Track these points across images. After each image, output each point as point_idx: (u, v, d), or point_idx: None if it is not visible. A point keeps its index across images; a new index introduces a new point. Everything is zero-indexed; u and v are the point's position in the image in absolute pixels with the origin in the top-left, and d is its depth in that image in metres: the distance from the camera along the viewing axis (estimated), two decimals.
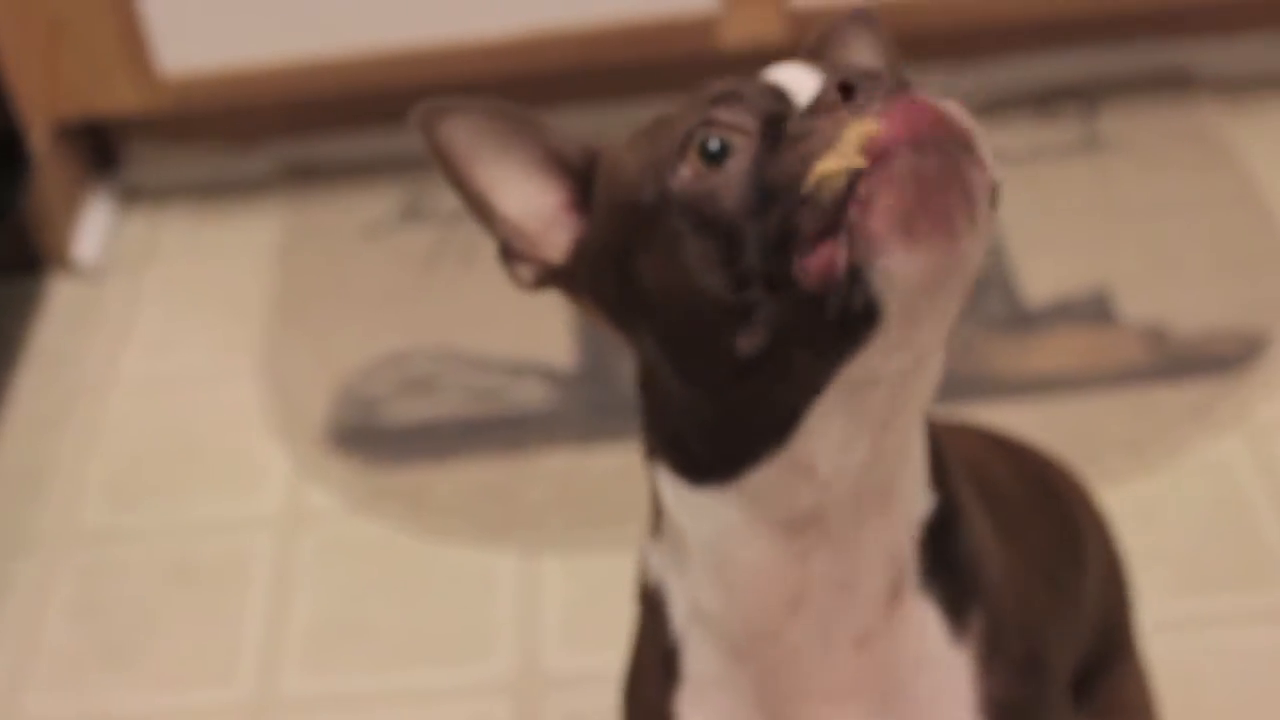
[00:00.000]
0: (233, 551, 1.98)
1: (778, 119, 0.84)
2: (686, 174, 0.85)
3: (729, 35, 2.39)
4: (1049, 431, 1.95)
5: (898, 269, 0.78)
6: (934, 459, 0.97)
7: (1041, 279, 2.22)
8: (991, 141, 0.82)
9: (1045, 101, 2.58)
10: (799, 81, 0.87)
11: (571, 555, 1.91)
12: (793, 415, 0.86)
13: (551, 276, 1.03)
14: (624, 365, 2.13)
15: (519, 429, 2.08)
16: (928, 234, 0.77)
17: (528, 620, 1.84)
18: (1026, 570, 1.09)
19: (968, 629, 0.99)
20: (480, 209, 1.02)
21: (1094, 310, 2.17)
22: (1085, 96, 2.59)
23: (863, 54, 1.02)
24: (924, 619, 0.97)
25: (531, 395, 2.13)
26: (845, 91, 0.80)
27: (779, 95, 0.86)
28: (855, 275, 0.78)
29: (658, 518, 1.00)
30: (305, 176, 2.57)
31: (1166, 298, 2.19)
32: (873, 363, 0.82)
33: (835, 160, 0.78)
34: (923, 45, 2.39)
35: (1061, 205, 2.38)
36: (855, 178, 0.78)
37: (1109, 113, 2.56)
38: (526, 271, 1.05)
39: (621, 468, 2.00)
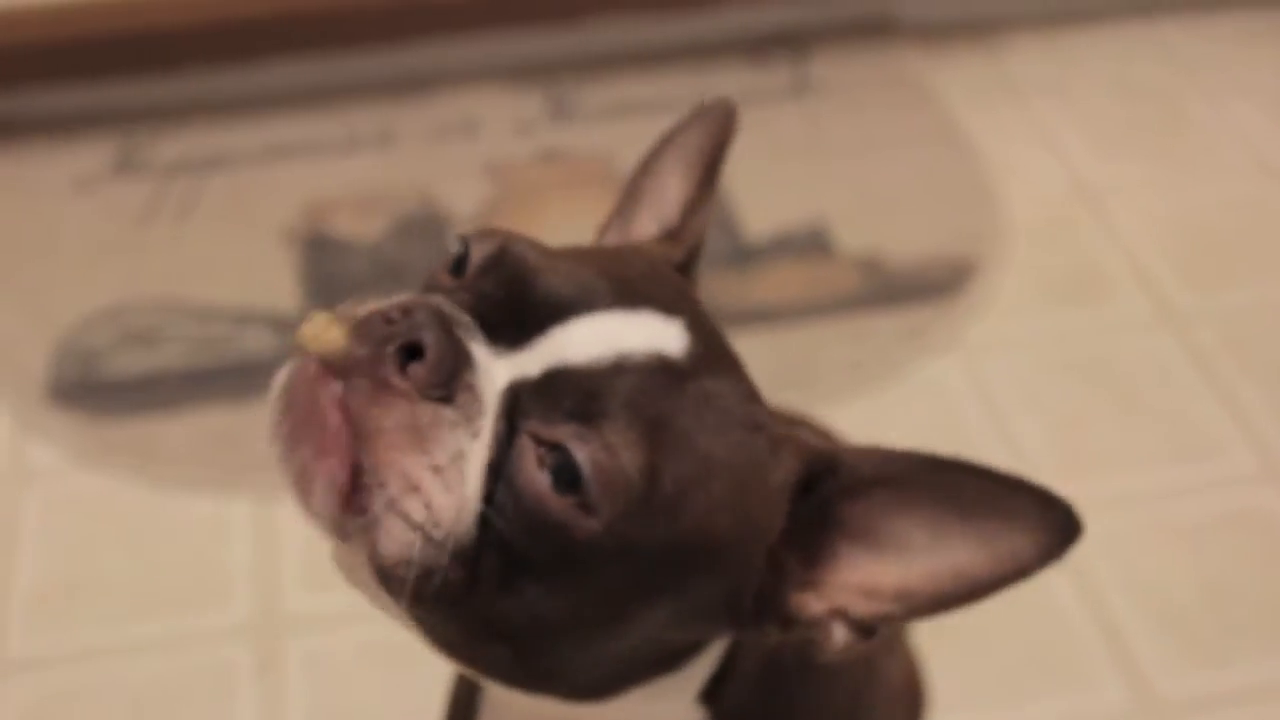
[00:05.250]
0: None
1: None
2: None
3: None
4: (774, 358, 2.03)
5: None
6: (726, 674, 0.93)
7: (761, 216, 2.28)
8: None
9: (757, 49, 2.65)
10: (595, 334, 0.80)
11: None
12: None
13: None
14: None
15: (247, 376, 2.05)
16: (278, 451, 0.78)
17: (265, 564, 1.82)
18: None
19: None
20: (630, 204, 1.00)
21: (812, 243, 2.24)
22: (795, 43, 2.67)
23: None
24: None
25: (258, 343, 2.10)
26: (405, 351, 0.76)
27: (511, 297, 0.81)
28: None
29: None
30: (7, 130, 2.47)
31: (879, 230, 2.27)
32: None
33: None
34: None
35: (776, 146, 2.44)
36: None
37: (818, 58, 2.64)
38: None
39: None
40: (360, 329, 0.77)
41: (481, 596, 0.77)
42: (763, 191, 2.32)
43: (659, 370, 0.79)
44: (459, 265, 0.84)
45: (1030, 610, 1.77)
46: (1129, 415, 2.01)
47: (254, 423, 1.97)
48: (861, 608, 0.84)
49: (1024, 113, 2.55)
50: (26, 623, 1.78)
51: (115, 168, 2.41)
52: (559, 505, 0.76)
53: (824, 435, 1.39)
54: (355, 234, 2.28)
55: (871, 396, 2.00)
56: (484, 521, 0.76)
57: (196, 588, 1.81)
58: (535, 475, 0.76)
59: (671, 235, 0.97)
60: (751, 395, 0.85)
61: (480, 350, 0.78)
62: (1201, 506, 1.91)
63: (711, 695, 0.93)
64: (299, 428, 0.76)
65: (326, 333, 0.77)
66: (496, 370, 0.77)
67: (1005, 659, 1.72)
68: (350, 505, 0.76)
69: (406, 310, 0.77)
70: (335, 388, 0.76)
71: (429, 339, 0.76)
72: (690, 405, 0.79)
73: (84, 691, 1.71)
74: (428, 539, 0.75)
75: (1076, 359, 2.10)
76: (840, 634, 0.84)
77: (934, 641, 1.58)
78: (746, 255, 2.21)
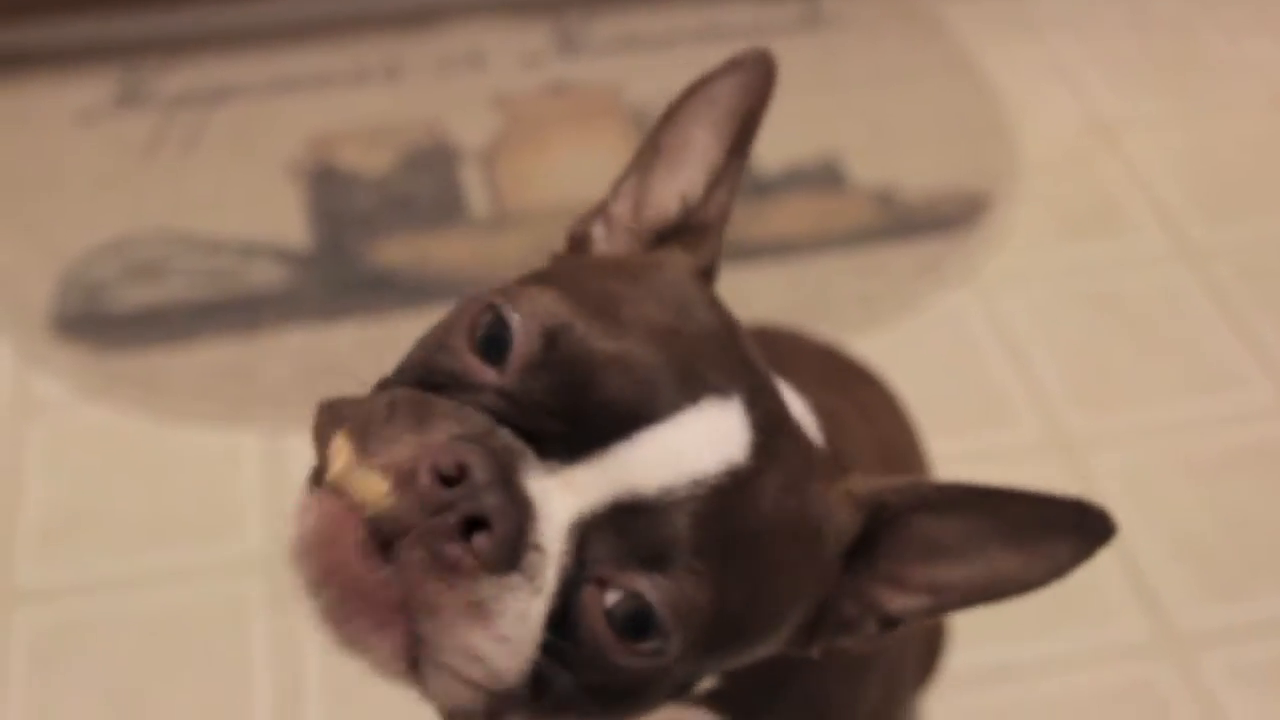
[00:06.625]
0: None
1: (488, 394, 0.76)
2: (479, 317, 0.78)
3: None
4: (788, 291, 2.00)
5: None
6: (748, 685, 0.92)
7: (774, 149, 2.25)
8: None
9: None
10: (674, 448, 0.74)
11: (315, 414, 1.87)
12: None
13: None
14: (358, 244, 2.11)
15: (255, 309, 2.03)
16: (310, 593, 0.73)
17: (275, 496, 1.80)
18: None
19: None
20: (650, 158, 0.92)
21: (825, 176, 2.21)
22: None
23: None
24: (698, 714, 0.95)
25: (265, 275, 2.08)
26: (446, 481, 0.71)
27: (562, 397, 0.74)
28: None
29: None
30: (9, 63, 2.43)
31: (893, 163, 2.24)
32: None
33: (342, 461, 0.74)
34: None
35: (788, 79, 2.38)
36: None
37: None
38: (596, 232, 0.93)
39: (361, 342, 1.97)
40: (408, 484, 0.70)
41: (546, 709, 0.76)
42: (775, 124, 2.26)
43: (728, 486, 0.74)
44: (492, 344, 0.77)
45: None
46: (1145, 348, 1.99)
47: (261, 355, 1.96)
48: (892, 604, 0.85)
49: (1039, 46, 2.52)
50: (34, 555, 1.76)
51: (118, 101, 2.38)
52: (626, 653, 0.74)
53: (855, 369, 1.38)
54: (362, 167, 2.25)
55: (886, 330, 1.98)
56: (546, 657, 0.73)
57: (206, 520, 1.79)
58: (600, 623, 0.73)
59: (694, 221, 0.91)
60: (806, 455, 0.82)
61: (538, 486, 0.72)
62: (1219, 439, 1.89)
63: None
64: (348, 600, 0.71)
65: (365, 482, 0.71)
66: (557, 505, 0.72)
67: None
68: (410, 664, 0.73)
69: (463, 467, 0.70)
70: (383, 565, 0.70)
71: (495, 512, 0.70)
72: (756, 510, 0.76)
73: (94, 623, 1.70)
74: (487, 692, 0.73)
75: (1092, 292, 2.08)
76: (870, 628, 0.85)
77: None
78: (759, 188, 2.19)
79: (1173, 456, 1.86)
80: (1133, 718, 1.63)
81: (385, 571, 0.70)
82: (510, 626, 0.71)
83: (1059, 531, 0.80)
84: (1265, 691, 1.65)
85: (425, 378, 0.78)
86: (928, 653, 1.47)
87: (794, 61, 2.40)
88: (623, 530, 0.72)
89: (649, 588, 0.72)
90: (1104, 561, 1.72)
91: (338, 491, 0.72)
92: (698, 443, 0.74)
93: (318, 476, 0.76)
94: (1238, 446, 1.88)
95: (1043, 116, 2.37)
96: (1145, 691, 1.65)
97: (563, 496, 0.72)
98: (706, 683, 0.86)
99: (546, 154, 2.28)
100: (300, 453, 1.82)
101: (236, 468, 1.84)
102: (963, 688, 1.61)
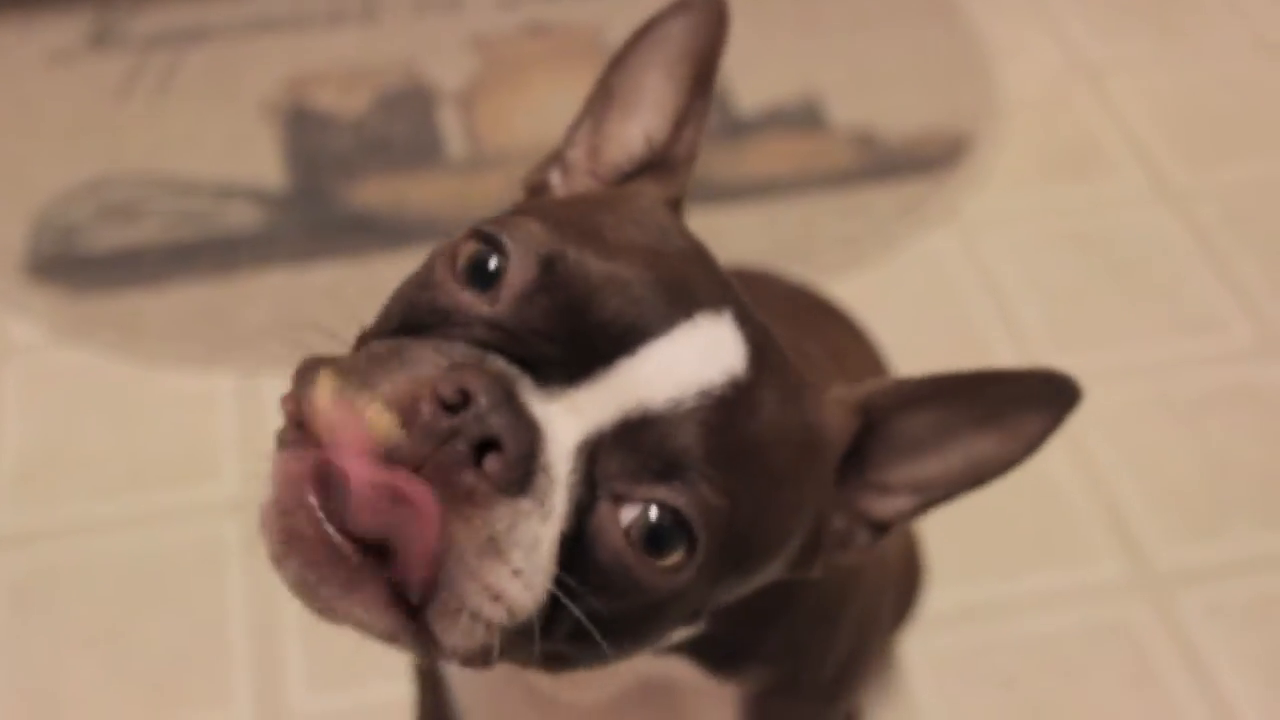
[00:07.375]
0: None
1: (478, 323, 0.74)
2: (463, 248, 0.77)
3: None
4: (769, 232, 1.99)
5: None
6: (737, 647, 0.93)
7: (753, 90, 2.24)
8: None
9: None
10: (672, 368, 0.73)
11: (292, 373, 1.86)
12: None
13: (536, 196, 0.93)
14: (335, 185, 2.09)
15: (231, 251, 2.01)
16: (273, 542, 0.71)
17: (252, 438, 1.79)
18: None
19: (736, 679, 0.97)
20: (602, 103, 0.91)
21: (804, 117, 2.20)
22: None
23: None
24: (677, 663, 0.94)
25: (241, 217, 2.06)
26: (450, 409, 0.68)
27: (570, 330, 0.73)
28: None
29: None
30: None
31: (873, 104, 2.23)
32: None
33: (324, 390, 0.71)
34: None
35: (769, 19, 2.39)
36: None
37: None
38: (553, 179, 0.92)
39: (338, 284, 1.96)
40: (412, 415, 0.68)
41: (556, 644, 0.74)
42: (754, 64, 2.27)
43: (731, 396, 0.74)
44: (478, 274, 0.75)
45: (1027, 484, 1.74)
46: (1126, 289, 1.99)
47: (237, 297, 1.94)
48: (879, 509, 0.87)
49: None
50: (9, 498, 1.75)
51: (91, 41, 2.35)
52: (648, 569, 0.73)
53: (826, 310, 1.37)
54: (338, 108, 2.23)
55: (867, 271, 1.97)
56: (560, 587, 0.71)
57: (182, 463, 1.78)
58: (620, 541, 0.72)
59: (662, 160, 0.90)
60: (795, 369, 0.82)
61: (540, 409, 0.70)
62: (1199, 380, 1.89)
63: None
64: (312, 566, 0.70)
65: (375, 418, 0.68)
66: (561, 428, 0.70)
67: (1003, 532, 1.71)
68: (400, 619, 0.70)
69: (465, 392, 0.68)
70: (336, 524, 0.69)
71: (505, 431, 0.68)
72: (759, 420, 0.76)
73: (70, 566, 1.69)
74: (499, 631, 0.70)
75: (1073, 233, 2.07)
76: (862, 538, 0.87)
77: (931, 516, 1.56)
78: (739, 129, 2.17)
79: (1152, 397, 1.86)
80: (1109, 657, 1.64)
81: (337, 534, 0.69)
82: (524, 557, 0.69)
83: (1028, 406, 0.85)
84: (1241, 630, 1.66)
85: (409, 319, 0.77)
86: (905, 595, 1.47)
87: (775, 1, 2.40)
88: (632, 447, 0.71)
89: (669, 495, 0.72)
90: (1082, 501, 1.73)
91: (320, 429, 0.70)
92: (699, 355, 0.74)
93: (283, 438, 0.75)
94: (1217, 388, 1.88)
95: (1024, 57, 2.36)
96: (1122, 631, 1.65)
97: (565, 419, 0.71)
98: (689, 630, 0.86)
99: (524, 95, 2.26)
100: (277, 395, 1.80)
101: (212, 410, 1.83)
102: (939, 628, 1.62)
